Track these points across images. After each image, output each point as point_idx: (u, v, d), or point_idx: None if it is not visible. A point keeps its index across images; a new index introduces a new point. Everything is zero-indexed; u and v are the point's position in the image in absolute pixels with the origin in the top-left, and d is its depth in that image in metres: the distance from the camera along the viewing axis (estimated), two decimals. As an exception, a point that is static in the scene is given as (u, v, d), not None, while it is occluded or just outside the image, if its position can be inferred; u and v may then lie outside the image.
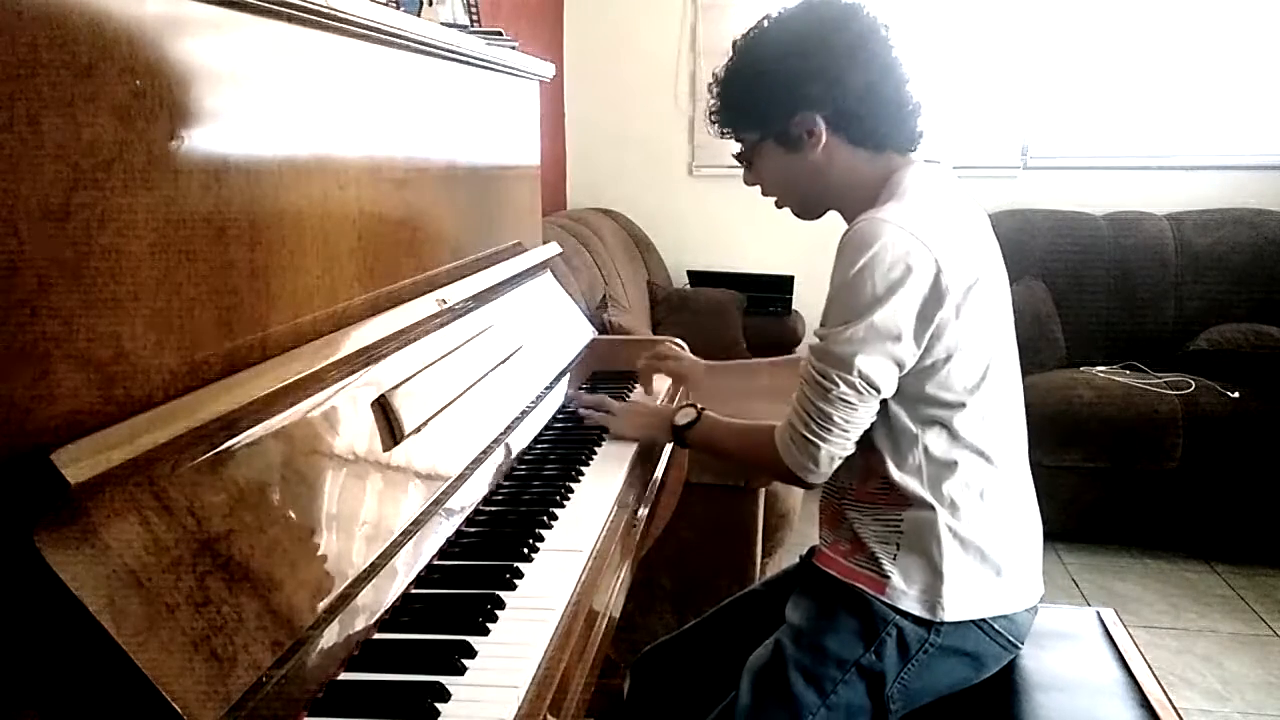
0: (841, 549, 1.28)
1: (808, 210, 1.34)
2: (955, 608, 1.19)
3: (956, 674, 1.24)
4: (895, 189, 1.21)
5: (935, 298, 1.14)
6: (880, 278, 1.13)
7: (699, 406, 1.43)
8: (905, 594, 1.20)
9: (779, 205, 1.36)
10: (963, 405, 1.20)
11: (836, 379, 1.16)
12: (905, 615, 1.20)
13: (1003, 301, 1.26)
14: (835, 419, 1.18)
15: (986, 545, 1.21)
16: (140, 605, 0.67)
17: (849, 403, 1.17)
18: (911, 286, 1.13)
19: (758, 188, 1.36)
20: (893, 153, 1.26)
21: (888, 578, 1.21)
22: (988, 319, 1.21)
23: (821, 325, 1.20)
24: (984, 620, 1.21)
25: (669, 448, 1.69)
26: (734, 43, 1.30)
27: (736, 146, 1.35)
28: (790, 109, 1.23)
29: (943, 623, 1.19)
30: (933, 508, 1.20)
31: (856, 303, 1.14)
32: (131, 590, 0.66)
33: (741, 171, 1.37)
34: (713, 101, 1.33)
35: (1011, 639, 1.24)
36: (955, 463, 1.20)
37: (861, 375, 1.15)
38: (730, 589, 1.60)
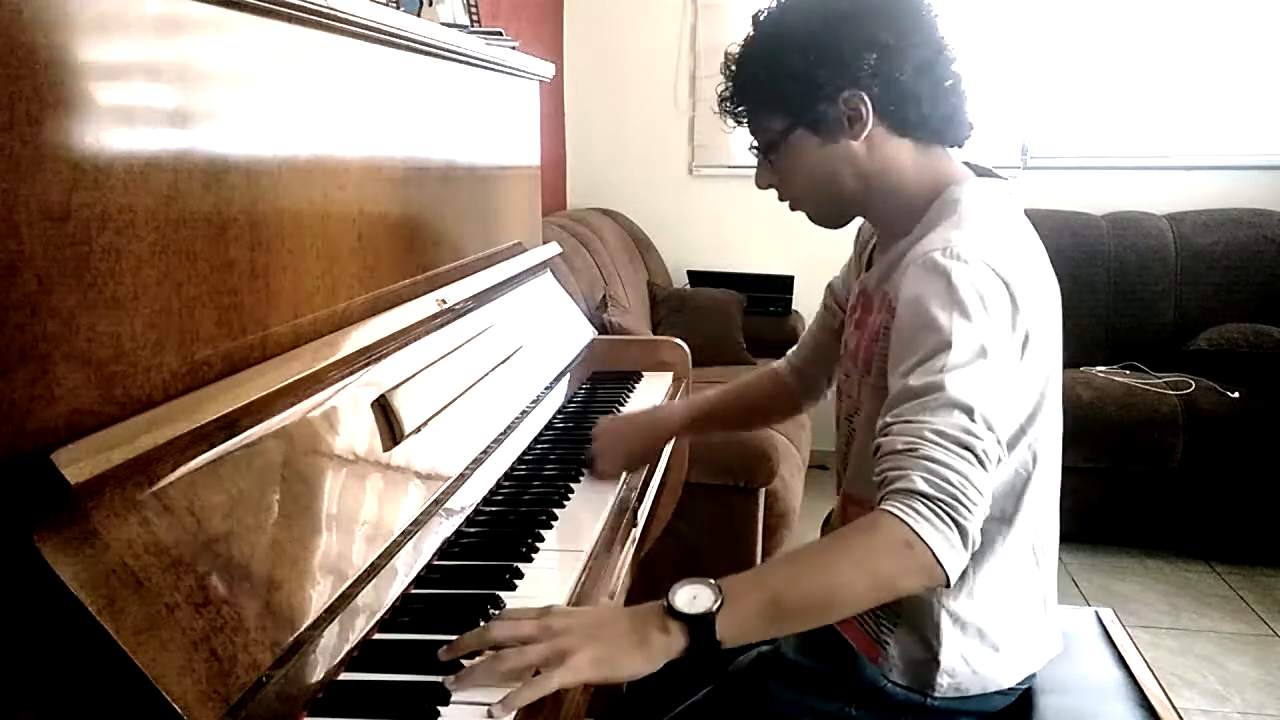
0: None
1: (835, 214, 1.17)
2: (951, 688, 1.09)
3: None
4: (952, 208, 1.06)
5: (1014, 341, 0.99)
6: (979, 314, 0.95)
7: (712, 582, 0.88)
8: (897, 667, 1.09)
9: (796, 208, 1.18)
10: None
11: (977, 432, 0.91)
12: (896, 684, 1.10)
13: (1057, 344, 1.08)
14: (979, 485, 0.90)
15: (989, 626, 1.08)
16: (140, 605, 0.67)
17: (988, 466, 0.91)
18: (1002, 322, 0.97)
19: (761, 186, 1.18)
20: (939, 149, 1.12)
21: (884, 646, 1.09)
22: (1043, 366, 1.05)
23: (918, 372, 0.95)
24: (984, 693, 1.11)
25: (668, 449, 1.66)
26: (754, 17, 1.12)
27: (750, 139, 1.17)
28: (834, 88, 1.05)
29: (936, 697, 1.09)
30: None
31: (970, 345, 0.94)
32: (131, 590, 0.66)
33: (740, 170, 1.28)
34: (726, 86, 1.14)
35: (1014, 697, 1.15)
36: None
37: (992, 428, 0.93)
38: (730, 589, 1.59)
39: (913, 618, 1.08)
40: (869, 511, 0.92)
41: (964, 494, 0.88)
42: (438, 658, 0.85)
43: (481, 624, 0.88)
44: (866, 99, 1.06)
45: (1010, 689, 1.12)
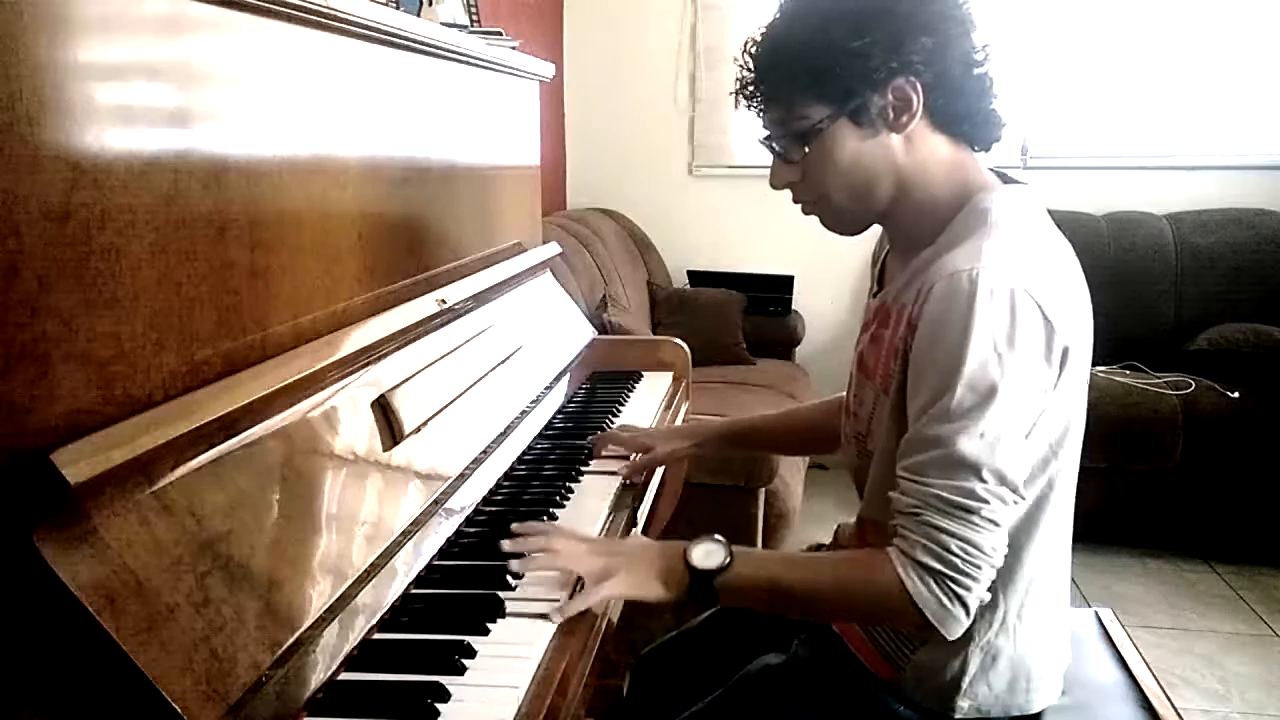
0: None
1: (857, 216, 1.09)
2: (973, 710, 1.05)
3: None
4: (981, 218, 1.00)
5: (1048, 369, 0.94)
6: (997, 348, 0.90)
7: (724, 541, 1.01)
8: (914, 689, 1.06)
9: (810, 211, 1.10)
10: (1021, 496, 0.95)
11: (983, 494, 0.90)
12: (911, 705, 1.07)
13: (1088, 362, 1.02)
14: (985, 548, 0.90)
15: (1020, 655, 1.04)
16: (140, 605, 0.67)
17: (997, 523, 0.90)
18: (1030, 355, 0.92)
19: (776, 186, 1.10)
20: (968, 152, 1.07)
21: (900, 670, 1.06)
22: (1075, 391, 1.00)
23: (926, 418, 0.93)
24: (1006, 716, 1.08)
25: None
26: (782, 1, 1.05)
27: (762, 134, 1.08)
28: (887, 72, 0.98)
29: (955, 719, 1.06)
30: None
31: (977, 385, 0.90)
32: (131, 590, 0.66)
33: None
34: (748, 73, 1.05)
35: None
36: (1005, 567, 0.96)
37: (1005, 480, 0.90)
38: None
39: (936, 645, 1.03)
40: (886, 539, 0.96)
41: (969, 562, 0.90)
42: (499, 549, 1.03)
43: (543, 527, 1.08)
44: (919, 86, 1.00)
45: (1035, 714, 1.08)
